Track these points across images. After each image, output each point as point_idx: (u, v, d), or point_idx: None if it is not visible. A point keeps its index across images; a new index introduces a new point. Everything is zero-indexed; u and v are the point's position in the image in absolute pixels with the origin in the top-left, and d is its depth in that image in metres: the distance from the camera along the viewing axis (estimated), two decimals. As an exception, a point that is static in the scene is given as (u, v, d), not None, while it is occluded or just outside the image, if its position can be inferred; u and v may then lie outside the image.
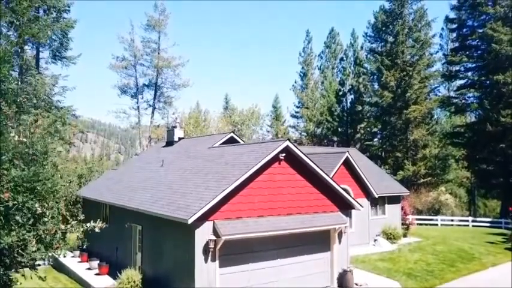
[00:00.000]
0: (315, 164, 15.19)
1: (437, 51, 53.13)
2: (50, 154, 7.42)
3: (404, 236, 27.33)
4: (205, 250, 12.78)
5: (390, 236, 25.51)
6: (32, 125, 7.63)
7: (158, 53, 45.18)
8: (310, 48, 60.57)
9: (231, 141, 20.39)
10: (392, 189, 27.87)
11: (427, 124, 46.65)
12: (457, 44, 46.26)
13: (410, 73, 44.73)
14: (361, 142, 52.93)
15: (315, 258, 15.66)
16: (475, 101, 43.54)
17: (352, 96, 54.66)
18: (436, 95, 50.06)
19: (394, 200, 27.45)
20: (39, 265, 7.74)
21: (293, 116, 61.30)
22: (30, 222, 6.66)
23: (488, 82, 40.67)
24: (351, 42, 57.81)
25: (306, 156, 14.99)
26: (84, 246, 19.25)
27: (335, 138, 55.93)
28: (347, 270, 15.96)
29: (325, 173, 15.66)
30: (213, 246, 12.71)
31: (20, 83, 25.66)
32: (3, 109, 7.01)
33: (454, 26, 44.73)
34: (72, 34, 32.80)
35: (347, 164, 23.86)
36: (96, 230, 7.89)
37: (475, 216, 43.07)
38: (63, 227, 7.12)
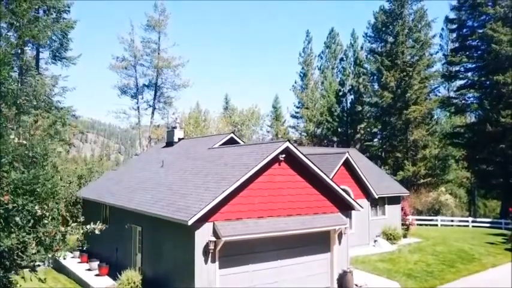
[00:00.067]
0: (315, 165, 15.19)
1: (437, 52, 53.31)
2: (49, 155, 7.42)
3: (404, 236, 27.33)
4: (205, 251, 12.77)
5: (390, 237, 25.51)
6: (32, 126, 7.63)
7: (158, 53, 45.18)
8: (310, 49, 60.63)
9: (231, 142, 20.38)
10: (392, 190, 27.87)
11: (427, 124, 46.66)
12: (457, 45, 46.29)
13: (410, 73, 44.74)
14: (361, 142, 52.94)
15: (315, 259, 15.65)
16: (475, 101, 43.57)
17: (352, 96, 54.67)
18: (436, 95, 50.13)
19: (394, 200, 27.45)
20: (38, 265, 7.75)
21: (293, 116, 61.39)
22: (30, 224, 6.65)
23: (488, 82, 40.69)
24: (350, 43, 57.86)
25: (306, 157, 14.98)
26: (84, 248, 19.35)
27: (335, 139, 55.94)
28: (347, 271, 15.96)
29: (325, 174, 15.66)
30: (213, 248, 12.71)
31: (20, 83, 25.67)
32: (3, 111, 7.00)
33: (454, 26, 44.75)
34: (72, 34, 32.83)
35: (347, 164, 23.86)
36: (96, 231, 7.88)
37: (475, 217, 43.10)
38: (63, 229, 7.11)
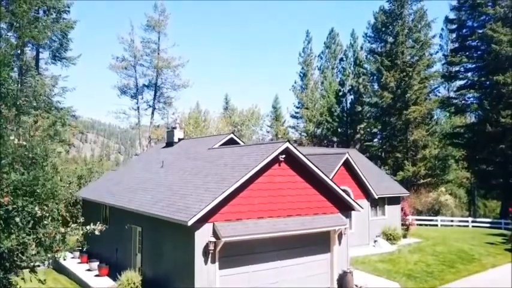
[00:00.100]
0: (314, 165, 15.19)
1: (437, 52, 53.29)
2: (50, 155, 7.41)
3: (404, 236, 27.33)
4: (205, 252, 12.77)
5: (390, 237, 25.51)
6: (32, 127, 7.62)
7: (158, 54, 45.19)
8: (310, 49, 60.63)
9: (231, 142, 20.38)
10: (392, 190, 27.87)
11: (427, 125, 46.66)
12: (456, 45, 46.25)
13: (410, 74, 44.73)
14: (361, 143, 52.94)
15: (315, 260, 15.65)
16: (474, 101, 43.56)
17: (352, 96, 54.66)
18: (436, 95, 50.11)
19: (394, 200, 27.45)
20: (38, 266, 7.74)
21: (293, 117, 61.39)
22: (30, 225, 6.65)
23: (488, 83, 40.68)
24: (350, 43, 57.85)
25: (306, 158, 14.98)
26: (84, 249, 19.34)
27: (335, 139, 55.95)
28: (347, 271, 15.96)
29: (325, 175, 15.66)
30: (212, 248, 12.71)
31: (20, 84, 25.67)
32: (3, 112, 7.00)
33: (454, 26, 44.74)
34: (72, 35, 32.93)
35: (347, 165, 23.86)
36: (96, 232, 7.88)
37: (475, 217, 43.09)
38: (63, 230, 7.11)
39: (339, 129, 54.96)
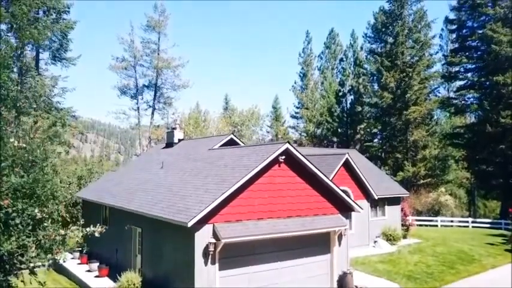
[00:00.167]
0: (314, 166, 15.19)
1: (437, 52, 53.38)
2: (49, 156, 7.41)
3: (404, 237, 27.33)
4: (205, 253, 12.77)
5: (390, 238, 25.51)
6: (32, 128, 7.62)
7: (158, 54, 45.18)
8: (310, 49, 60.62)
9: (231, 143, 20.38)
10: (392, 191, 27.87)
11: (426, 125, 46.66)
12: (456, 45, 46.26)
13: (410, 74, 44.75)
14: (361, 143, 52.94)
15: (315, 261, 15.65)
16: (474, 102, 43.58)
17: (352, 97, 54.67)
18: (436, 95, 50.17)
19: (394, 201, 27.45)
20: (38, 267, 7.73)
21: (293, 117, 61.39)
22: (30, 227, 6.64)
23: (488, 83, 40.70)
24: (350, 43, 57.85)
25: (306, 159, 14.98)
26: (84, 252, 19.40)
27: (335, 139, 55.95)
28: (347, 272, 15.95)
29: (325, 176, 15.66)
30: (212, 249, 12.70)
31: (20, 84, 25.64)
32: (2, 114, 7.00)
33: (454, 27, 44.76)
34: (71, 35, 32.87)
35: (347, 165, 23.85)
36: (96, 234, 7.87)
37: (475, 217, 43.13)
38: (62, 232, 7.11)
39: (339, 130, 54.96)
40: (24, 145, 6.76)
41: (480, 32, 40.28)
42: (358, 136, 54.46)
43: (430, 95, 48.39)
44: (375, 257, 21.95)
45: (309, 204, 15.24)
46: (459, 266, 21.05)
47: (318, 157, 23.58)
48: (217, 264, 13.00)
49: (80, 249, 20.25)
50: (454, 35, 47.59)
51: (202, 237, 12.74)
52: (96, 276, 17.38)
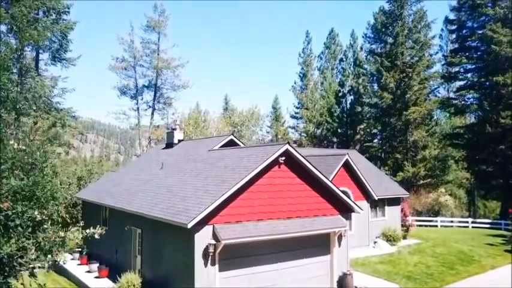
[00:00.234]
0: (314, 167, 15.19)
1: (437, 53, 53.39)
2: (49, 156, 7.41)
3: (404, 238, 27.32)
4: (205, 254, 12.77)
5: (390, 238, 25.51)
6: (32, 130, 7.61)
7: (158, 54, 45.17)
8: (309, 49, 60.63)
9: (231, 143, 20.36)
10: (392, 191, 27.87)
11: (426, 125, 46.68)
12: (456, 45, 46.29)
13: (410, 74, 44.76)
14: (361, 143, 52.95)
15: (314, 262, 15.65)
16: (474, 102, 43.61)
17: (352, 97, 54.70)
18: (436, 96, 50.23)
19: (394, 201, 27.44)
20: (38, 267, 7.73)
21: (293, 117, 61.40)
22: (30, 229, 6.64)
23: (487, 83, 40.72)
24: (350, 43, 57.89)
25: (306, 160, 14.98)
26: (84, 253, 19.41)
27: (335, 139, 55.97)
28: (347, 273, 15.95)
29: (325, 177, 15.66)
30: (212, 250, 12.71)
31: (19, 85, 25.64)
32: (2, 116, 7.00)
33: (454, 27, 44.79)
34: (71, 35, 32.83)
35: (347, 166, 23.85)
36: (96, 236, 7.87)
37: (475, 217, 43.13)
38: (62, 234, 7.10)
39: (339, 130, 54.97)
40: (24, 147, 6.76)
41: (480, 32, 40.30)
42: (358, 136, 54.47)
43: (430, 95, 48.44)
44: (374, 258, 21.95)
45: (309, 205, 15.24)
46: (459, 266, 21.05)
47: (317, 158, 23.58)
48: (217, 265, 13.00)
49: (80, 250, 20.24)
50: (454, 36, 47.61)
51: (202, 239, 12.74)
52: (96, 277, 17.37)
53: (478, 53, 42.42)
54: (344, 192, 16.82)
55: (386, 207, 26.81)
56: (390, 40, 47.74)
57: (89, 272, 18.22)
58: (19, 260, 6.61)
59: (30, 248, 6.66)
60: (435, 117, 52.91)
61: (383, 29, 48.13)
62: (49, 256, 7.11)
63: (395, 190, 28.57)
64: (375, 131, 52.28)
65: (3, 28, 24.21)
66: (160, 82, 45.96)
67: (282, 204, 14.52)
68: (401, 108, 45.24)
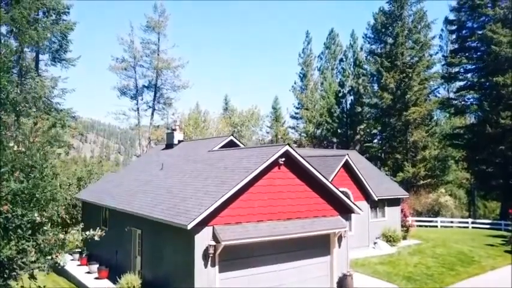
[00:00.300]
0: (314, 168, 15.19)
1: (437, 53, 53.37)
2: (49, 157, 7.41)
3: (404, 238, 27.31)
4: (205, 255, 12.77)
5: (390, 239, 25.49)
6: (32, 131, 7.60)
7: (158, 55, 45.18)
8: (309, 49, 60.67)
9: (231, 144, 20.36)
10: (392, 192, 27.85)
11: (426, 125, 46.69)
12: (456, 46, 46.29)
13: (410, 75, 44.77)
14: (361, 143, 52.94)
15: (314, 263, 15.64)
16: (474, 102, 43.59)
17: (352, 97, 54.69)
18: (436, 96, 50.25)
19: (394, 202, 27.43)
20: (38, 268, 7.73)
21: (293, 117, 61.42)
22: (29, 232, 6.64)
23: (487, 84, 40.71)
24: (350, 44, 57.89)
25: (306, 161, 14.98)
26: (84, 255, 19.43)
27: (335, 140, 55.94)
28: (347, 274, 15.95)
29: (325, 177, 15.65)
30: (212, 252, 12.70)
31: (19, 86, 25.64)
32: (2, 118, 6.99)
33: (454, 27, 44.80)
34: (71, 36, 32.86)
35: (347, 166, 23.85)
36: (96, 238, 7.87)
37: (475, 217, 43.16)
38: (62, 236, 7.10)
39: (339, 130, 54.96)
40: (24, 149, 6.76)
41: (480, 32, 40.30)
42: (358, 137, 54.46)
43: (430, 95, 48.45)
44: (374, 259, 21.94)
45: (309, 206, 15.23)
46: (459, 267, 21.05)
47: (317, 158, 23.59)
48: (217, 266, 13.00)
49: (80, 250, 20.26)
50: (453, 36, 47.60)
51: (202, 240, 12.74)
52: (96, 278, 17.35)
53: (478, 54, 42.43)
54: (344, 193, 16.81)
55: (386, 208, 26.80)
56: (390, 40, 47.75)
57: (88, 272, 18.20)
58: (19, 262, 6.60)
59: (30, 250, 6.67)
60: (435, 118, 52.96)
61: (383, 30, 48.13)
62: (49, 258, 7.11)
63: (395, 190, 28.57)
64: (374, 131, 52.28)
65: (3, 29, 24.23)
66: (160, 82, 46.04)
67: (281, 205, 14.51)
68: (401, 108, 45.24)
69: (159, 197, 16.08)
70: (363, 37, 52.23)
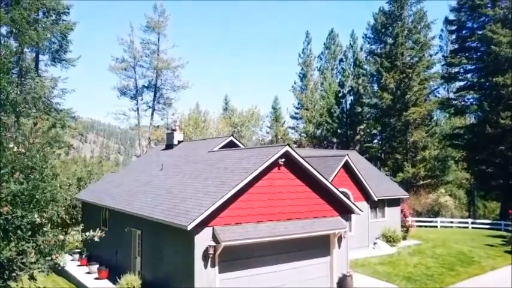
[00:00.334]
0: (314, 168, 15.19)
1: (437, 53, 53.37)
2: (49, 157, 7.41)
3: (404, 238, 27.31)
4: (205, 256, 12.77)
5: (390, 239, 25.49)
6: (31, 133, 7.60)
7: (158, 55, 45.17)
8: (309, 50, 60.67)
9: (231, 144, 20.36)
10: (392, 192, 27.85)
11: (426, 126, 46.69)
12: (456, 46, 46.27)
13: (410, 75, 44.77)
14: (361, 144, 52.94)
15: (314, 263, 15.65)
16: (474, 102, 43.59)
17: (352, 97, 54.69)
18: (436, 96, 50.23)
19: (394, 202, 27.43)
20: (39, 268, 7.73)
21: (292, 117, 61.42)
22: (29, 233, 6.64)
23: (487, 84, 40.70)
24: (350, 44, 57.90)
25: (306, 161, 14.98)
26: (84, 256, 19.43)
27: (334, 140, 55.95)
28: (347, 274, 15.96)
29: (325, 178, 15.65)
30: (212, 252, 12.71)
31: (19, 86, 25.64)
32: (2, 119, 6.99)
33: (454, 27, 44.79)
34: (71, 36, 32.86)
35: (346, 167, 23.85)
36: (96, 239, 7.87)
37: (475, 218, 43.15)
38: (62, 237, 7.10)
39: (339, 130, 54.96)
40: (24, 150, 6.76)
41: (480, 32, 40.29)
42: (358, 137, 54.46)
43: (429, 95, 48.45)
44: (374, 259, 21.94)
45: (309, 207, 15.24)
46: (459, 267, 21.05)
47: (317, 159, 23.58)
48: (216, 267, 13.00)
49: (80, 251, 20.26)
50: (453, 36, 47.57)
51: (202, 240, 12.74)
52: (95, 278, 17.36)
53: (478, 54, 42.42)
54: (344, 193, 16.82)
55: (386, 208, 26.81)
56: (390, 41, 47.75)
57: (88, 273, 18.21)
58: (19, 263, 6.61)
59: (30, 251, 6.67)
60: (435, 118, 52.95)
61: (383, 30, 48.14)
62: (49, 259, 7.12)
63: (395, 191, 28.57)
64: (374, 131, 52.28)
65: (3, 30, 24.24)
66: (160, 82, 46.03)
67: (281, 206, 14.51)
68: (401, 108, 45.24)
69: (159, 197, 16.08)
70: (363, 37, 52.33)
